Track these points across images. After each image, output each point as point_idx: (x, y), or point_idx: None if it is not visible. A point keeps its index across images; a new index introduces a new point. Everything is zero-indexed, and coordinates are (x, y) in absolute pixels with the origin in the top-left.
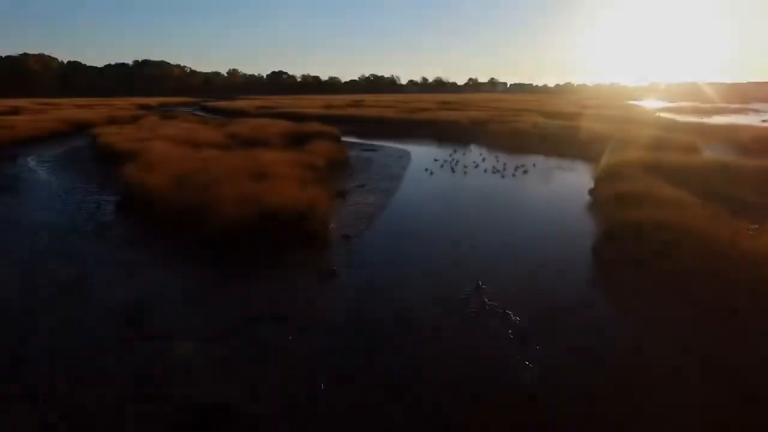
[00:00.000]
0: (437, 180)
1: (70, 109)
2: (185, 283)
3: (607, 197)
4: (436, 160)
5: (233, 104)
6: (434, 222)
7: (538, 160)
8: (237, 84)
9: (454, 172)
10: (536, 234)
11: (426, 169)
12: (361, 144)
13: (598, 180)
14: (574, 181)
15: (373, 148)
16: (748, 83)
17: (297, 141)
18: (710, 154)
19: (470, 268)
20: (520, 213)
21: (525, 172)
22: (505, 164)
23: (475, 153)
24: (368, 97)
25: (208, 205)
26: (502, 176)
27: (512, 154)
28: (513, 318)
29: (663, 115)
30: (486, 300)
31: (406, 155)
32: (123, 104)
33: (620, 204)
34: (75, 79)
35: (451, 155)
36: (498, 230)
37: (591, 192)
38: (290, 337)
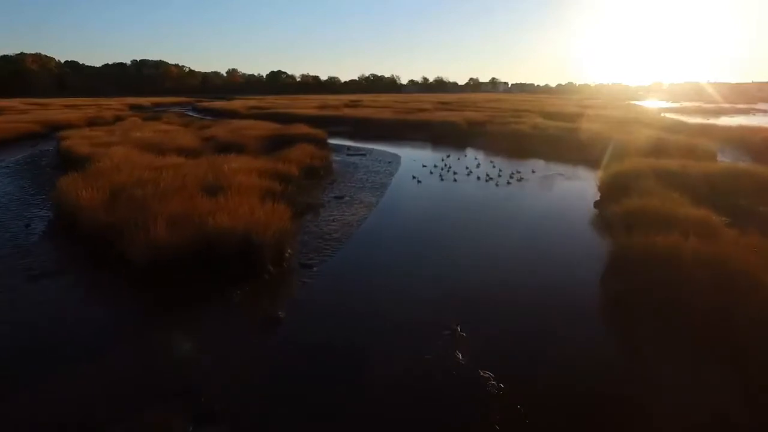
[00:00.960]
0: (424, 190)
1: (58, 109)
2: (82, 335)
3: (616, 215)
4: (424, 166)
5: (227, 104)
6: (413, 245)
7: (537, 165)
8: (236, 84)
9: (442, 180)
10: (531, 262)
11: (414, 177)
12: (350, 147)
13: (605, 191)
14: (577, 191)
15: (362, 152)
16: (752, 83)
17: (278, 145)
18: (726, 159)
19: (449, 308)
20: (513, 233)
21: (521, 179)
22: (500, 171)
23: (470, 157)
24: (366, 97)
25: (141, 227)
26: (497, 185)
27: (510, 158)
28: (491, 385)
29: (668, 115)
30: (460, 357)
31: (396, 160)
32: (114, 104)
33: (632, 225)
34: (73, 79)
35: (443, 160)
36: (486, 257)
37: (597, 205)
38: (190, 430)
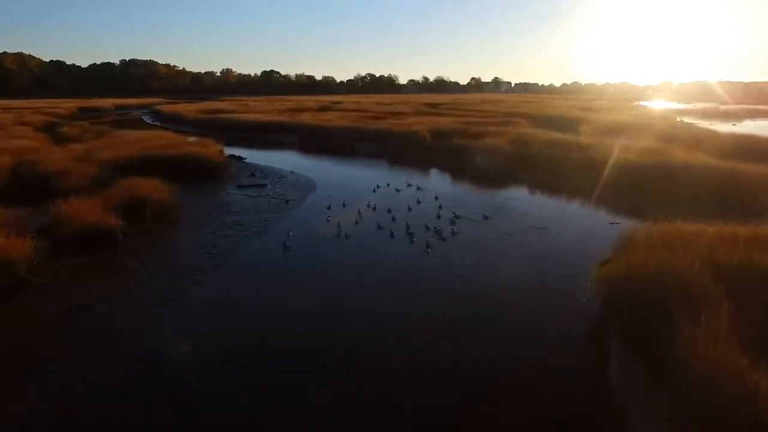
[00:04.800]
0: (282, 270)
1: None
2: None
3: None
4: (329, 208)
5: (181, 108)
6: None
7: (510, 200)
8: (229, 84)
9: (338, 237)
10: None
11: (289, 234)
12: (257, 173)
13: (614, 313)
14: (559, 279)
15: (264, 182)
16: (767, 82)
17: (134, 174)
18: None
19: None
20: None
21: (454, 234)
22: (439, 213)
23: (414, 186)
24: (349, 98)
25: None
26: (427, 250)
27: (478, 184)
28: None
29: (686, 120)
30: None
31: (304, 195)
32: (62, 108)
33: None
34: (55, 78)
35: (374, 191)
36: None
37: (597, 337)
38: None
